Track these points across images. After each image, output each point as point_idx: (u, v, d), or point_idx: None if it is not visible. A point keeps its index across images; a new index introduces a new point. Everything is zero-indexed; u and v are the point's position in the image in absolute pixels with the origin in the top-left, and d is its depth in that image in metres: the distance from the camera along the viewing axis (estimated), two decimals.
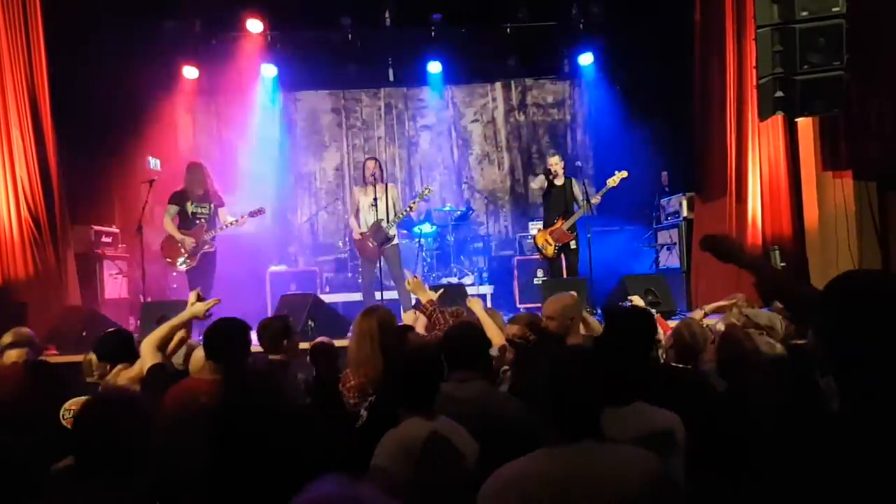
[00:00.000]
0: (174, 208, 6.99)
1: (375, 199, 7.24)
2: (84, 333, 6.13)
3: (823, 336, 1.51)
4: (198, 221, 6.98)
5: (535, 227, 9.45)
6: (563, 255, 7.69)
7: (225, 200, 7.24)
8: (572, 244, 7.64)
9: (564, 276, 7.66)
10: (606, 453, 1.87)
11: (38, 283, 6.69)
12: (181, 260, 6.93)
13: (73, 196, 7.41)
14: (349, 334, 4.17)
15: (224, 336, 3.05)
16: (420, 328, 4.08)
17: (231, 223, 7.01)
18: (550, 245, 7.68)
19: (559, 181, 7.69)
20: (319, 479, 1.22)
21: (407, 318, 4.30)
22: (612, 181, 7.44)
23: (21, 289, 6.53)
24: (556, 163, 7.73)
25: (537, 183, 7.79)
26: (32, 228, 6.75)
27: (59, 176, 7.15)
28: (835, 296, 1.53)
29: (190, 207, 6.98)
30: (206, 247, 6.97)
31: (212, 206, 7.06)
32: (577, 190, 7.65)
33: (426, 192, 7.46)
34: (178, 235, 6.92)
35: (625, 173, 7.46)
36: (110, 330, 4.35)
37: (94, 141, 7.71)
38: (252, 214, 7.04)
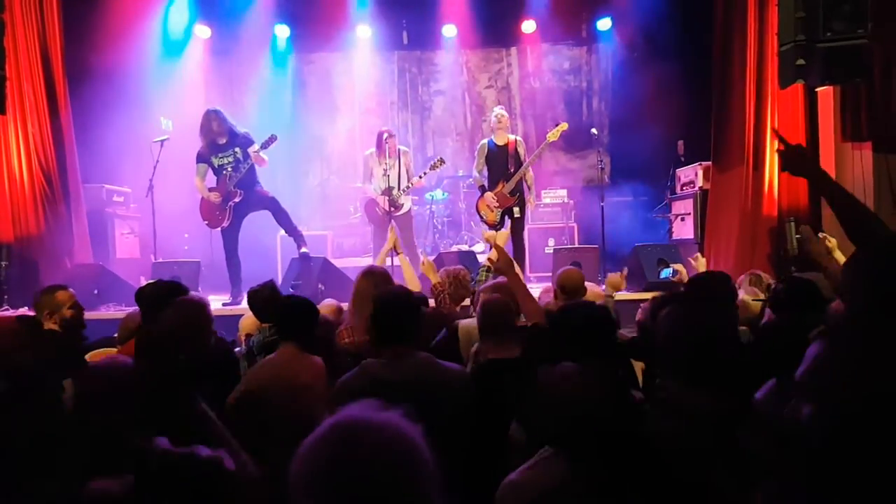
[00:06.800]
0: (203, 167, 6.66)
1: (388, 168, 7.18)
2: (96, 291, 6.18)
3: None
4: (224, 172, 6.64)
5: (547, 196, 9.39)
6: (507, 222, 7.00)
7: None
8: (516, 210, 6.97)
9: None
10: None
11: (49, 240, 6.73)
12: (218, 220, 6.70)
13: (86, 155, 7.41)
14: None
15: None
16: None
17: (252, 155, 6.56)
18: (492, 212, 7.01)
19: (501, 140, 7.04)
20: (351, 404, 1.15)
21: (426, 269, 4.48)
22: (553, 135, 6.91)
23: (33, 245, 6.58)
24: (501, 117, 7.04)
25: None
26: (44, 185, 6.77)
27: (71, 133, 7.15)
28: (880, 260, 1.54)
29: (216, 161, 6.63)
30: (236, 197, 6.65)
31: (237, 150, 6.63)
32: (521, 149, 7.02)
33: (438, 164, 7.31)
34: (204, 193, 6.65)
35: (564, 125, 7.00)
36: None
37: (106, 99, 7.67)
38: (265, 145, 6.59)
